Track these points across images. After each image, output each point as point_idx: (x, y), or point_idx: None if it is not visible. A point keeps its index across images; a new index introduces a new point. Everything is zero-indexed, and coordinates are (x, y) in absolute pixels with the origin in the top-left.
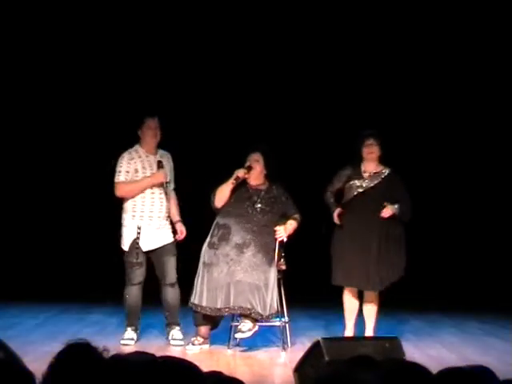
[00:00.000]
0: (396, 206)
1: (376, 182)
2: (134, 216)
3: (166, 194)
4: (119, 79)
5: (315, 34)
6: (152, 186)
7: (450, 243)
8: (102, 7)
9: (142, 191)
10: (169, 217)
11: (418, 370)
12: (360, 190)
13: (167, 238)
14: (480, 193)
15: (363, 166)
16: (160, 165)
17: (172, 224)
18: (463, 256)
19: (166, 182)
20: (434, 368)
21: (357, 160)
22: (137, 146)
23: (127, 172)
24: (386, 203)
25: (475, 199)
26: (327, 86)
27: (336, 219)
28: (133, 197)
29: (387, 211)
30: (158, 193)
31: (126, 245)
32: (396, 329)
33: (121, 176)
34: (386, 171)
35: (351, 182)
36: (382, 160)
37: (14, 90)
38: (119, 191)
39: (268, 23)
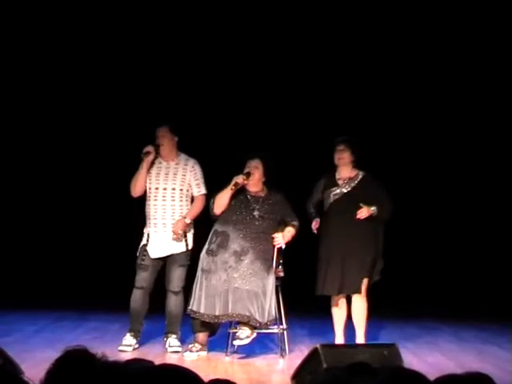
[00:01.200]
0: (373, 208)
1: (350, 187)
2: (147, 224)
3: (174, 200)
4: (132, 89)
5: (313, 45)
6: (156, 193)
7: (449, 250)
8: (113, 17)
9: (142, 180)
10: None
11: (415, 377)
12: (336, 197)
13: (177, 248)
14: (477, 199)
15: (337, 174)
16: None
17: (189, 233)
18: (462, 263)
19: (173, 188)
20: (432, 375)
21: (332, 168)
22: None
23: None
24: (361, 204)
25: (473, 205)
26: (325, 94)
27: (314, 228)
28: (140, 190)
29: (362, 212)
30: (161, 199)
31: (138, 250)
32: (394, 336)
33: None
34: (361, 175)
35: (327, 191)
36: (357, 165)
37: (34, 95)
38: (130, 190)
39: (266, 35)
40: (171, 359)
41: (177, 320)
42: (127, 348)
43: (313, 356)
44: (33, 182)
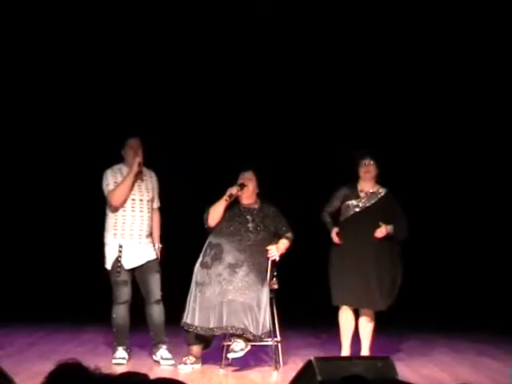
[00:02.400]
0: (390, 226)
1: (373, 201)
2: (115, 234)
3: (149, 212)
4: (107, 98)
5: (310, 51)
6: (133, 204)
7: (444, 262)
8: (89, 27)
9: (129, 189)
10: (151, 234)
11: None
12: (357, 210)
13: (150, 255)
14: (473, 213)
15: (360, 186)
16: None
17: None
18: (457, 275)
19: (148, 200)
20: None
21: (353, 179)
22: (120, 165)
23: (115, 183)
24: (381, 223)
25: (468, 218)
26: (320, 104)
27: (335, 238)
28: (124, 200)
29: (381, 231)
30: (139, 210)
31: (108, 263)
32: (388, 348)
33: (110, 186)
34: (383, 191)
35: (348, 202)
36: (378, 179)
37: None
38: (113, 199)
39: (257, 44)
40: (165, 372)
41: (162, 329)
42: (122, 361)
43: (307, 368)
44: (26, 193)
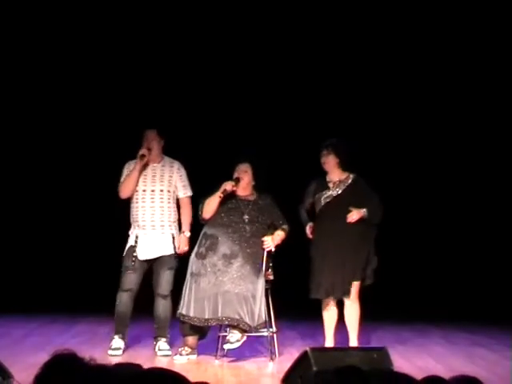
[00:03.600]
0: (363, 210)
1: (341, 189)
2: (133, 226)
3: (162, 202)
4: (117, 91)
5: (303, 46)
6: (143, 195)
7: (440, 253)
8: (101, 18)
9: (135, 182)
10: (171, 226)
11: (405, 380)
12: (327, 200)
13: (165, 250)
14: (466, 204)
15: (328, 177)
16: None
17: (177, 235)
18: (452, 266)
19: (161, 190)
20: None
21: (323, 172)
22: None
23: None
24: (351, 208)
25: (463, 209)
26: (316, 95)
27: (309, 234)
28: (131, 192)
29: (352, 215)
30: (150, 201)
31: (124, 251)
32: (383, 339)
33: (122, 178)
34: (351, 178)
35: (318, 195)
36: (347, 167)
37: (10, 98)
38: (120, 191)
39: (254, 38)
40: (161, 363)
41: (166, 324)
42: (117, 352)
43: (303, 359)
44: (21, 186)
